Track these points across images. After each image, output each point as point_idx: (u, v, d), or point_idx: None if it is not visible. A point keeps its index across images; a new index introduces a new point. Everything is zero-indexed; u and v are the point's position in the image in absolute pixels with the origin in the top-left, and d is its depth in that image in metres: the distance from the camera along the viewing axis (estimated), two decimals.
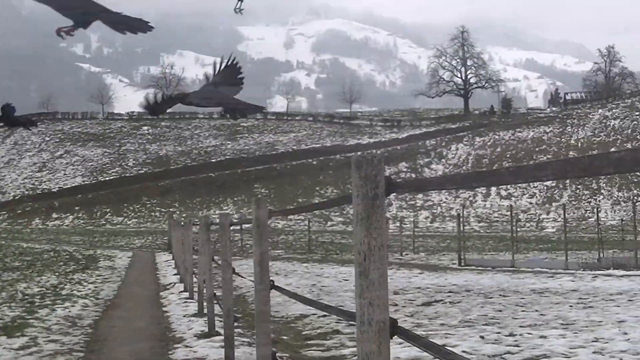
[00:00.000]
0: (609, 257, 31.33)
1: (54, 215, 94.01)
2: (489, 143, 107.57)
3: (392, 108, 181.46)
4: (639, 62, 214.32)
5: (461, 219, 36.88)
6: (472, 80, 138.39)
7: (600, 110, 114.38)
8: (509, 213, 56.21)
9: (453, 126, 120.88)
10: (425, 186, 3.08)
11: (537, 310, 13.90)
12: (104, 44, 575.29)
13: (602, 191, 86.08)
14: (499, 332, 11.16)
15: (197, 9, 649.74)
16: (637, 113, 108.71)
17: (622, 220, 56.74)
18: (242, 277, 10.39)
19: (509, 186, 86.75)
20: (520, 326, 11.84)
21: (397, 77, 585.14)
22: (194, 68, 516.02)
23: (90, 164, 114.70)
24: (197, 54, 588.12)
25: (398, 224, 51.90)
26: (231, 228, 9.86)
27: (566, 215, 36.69)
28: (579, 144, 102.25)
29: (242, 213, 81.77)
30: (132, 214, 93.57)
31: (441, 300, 15.95)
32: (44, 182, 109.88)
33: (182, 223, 22.98)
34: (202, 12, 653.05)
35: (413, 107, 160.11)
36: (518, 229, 46.13)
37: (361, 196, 2.99)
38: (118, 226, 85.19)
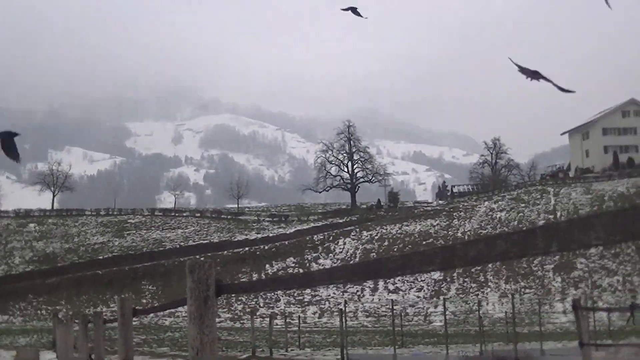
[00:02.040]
0: (491, 350, 31.95)
1: None
2: (376, 237, 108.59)
3: (280, 203, 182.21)
4: (524, 154, 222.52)
5: (344, 314, 37.12)
6: (359, 175, 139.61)
7: (486, 203, 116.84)
8: (395, 307, 56.83)
9: (340, 220, 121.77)
10: (252, 288, 3.52)
11: None
12: None
13: (490, 284, 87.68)
14: None
15: (85, 104, 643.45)
16: (523, 205, 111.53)
17: (505, 313, 57.83)
18: None
19: (396, 280, 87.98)
20: None
21: (285, 172, 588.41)
22: (82, 164, 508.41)
23: None
24: (85, 150, 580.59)
25: (284, 320, 51.80)
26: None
27: (454, 308, 37.59)
28: (466, 237, 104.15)
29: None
30: (18, 312, 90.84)
31: None
32: None
33: (64, 320, 22.69)
34: (90, 108, 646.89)
35: (301, 202, 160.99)
36: (406, 323, 46.57)
37: (194, 297, 3.42)
38: (3, 324, 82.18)
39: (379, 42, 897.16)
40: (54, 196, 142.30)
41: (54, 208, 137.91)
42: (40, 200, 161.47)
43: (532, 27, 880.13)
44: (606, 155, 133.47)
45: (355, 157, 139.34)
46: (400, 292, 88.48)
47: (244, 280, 78.04)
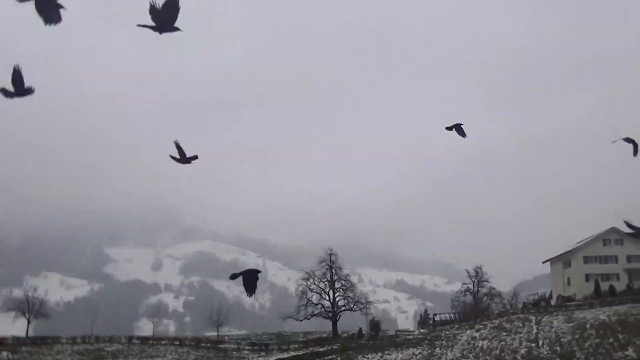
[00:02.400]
0: None
1: None
2: None
3: (260, 331, 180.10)
4: (506, 282, 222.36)
5: None
6: (340, 303, 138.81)
7: (468, 331, 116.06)
8: None
9: (321, 349, 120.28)
10: None
11: None
12: None
13: None
14: None
15: (63, 229, 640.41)
16: (505, 333, 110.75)
17: None
18: None
19: None
20: None
21: (266, 300, 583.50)
22: (59, 290, 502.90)
23: None
24: (62, 275, 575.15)
25: None
26: None
27: None
28: None
29: None
30: None
31: None
32: None
33: None
34: (68, 233, 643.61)
35: (282, 330, 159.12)
36: None
37: None
38: None
39: (360, 173, 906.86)
40: (28, 323, 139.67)
41: (29, 336, 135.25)
42: (15, 327, 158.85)
43: (506, 168, 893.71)
44: (587, 283, 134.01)
45: (337, 285, 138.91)
46: None
47: None
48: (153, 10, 10.14)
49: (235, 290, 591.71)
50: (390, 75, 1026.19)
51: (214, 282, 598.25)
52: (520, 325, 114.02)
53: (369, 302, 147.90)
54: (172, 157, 16.09)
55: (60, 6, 8.26)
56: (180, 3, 10.15)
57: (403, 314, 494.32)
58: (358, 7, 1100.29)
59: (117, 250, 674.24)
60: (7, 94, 11.03)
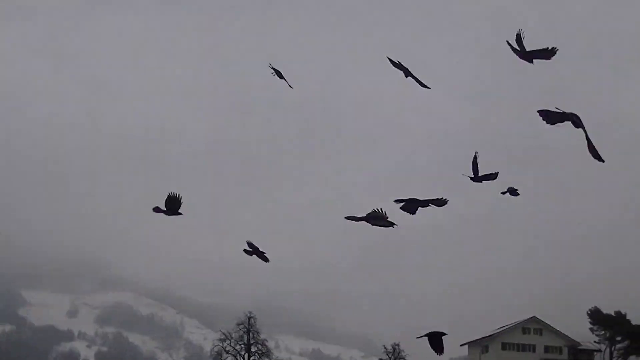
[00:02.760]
0: None
1: None
2: None
3: None
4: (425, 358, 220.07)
5: None
6: None
7: None
8: None
9: None
10: None
11: None
12: None
13: None
14: None
15: None
16: None
17: None
18: None
19: None
20: None
21: (180, 357, 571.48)
22: None
23: None
24: None
25: None
26: None
27: None
28: None
29: None
30: None
31: None
32: None
33: None
34: None
35: None
36: None
37: None
38: None
39: (290, 237, 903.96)
40: None
41: None
42: None
43: (432, 246, 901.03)
44: None
45: (253, 349, 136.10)
46: None
47: None
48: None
49: (150, 345, 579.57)
50: (321, 142, 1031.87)
51: (129, 334, 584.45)
52: None
53: None
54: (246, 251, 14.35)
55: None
56: None
57: None
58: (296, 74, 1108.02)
59: (33, 293, 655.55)
60: None
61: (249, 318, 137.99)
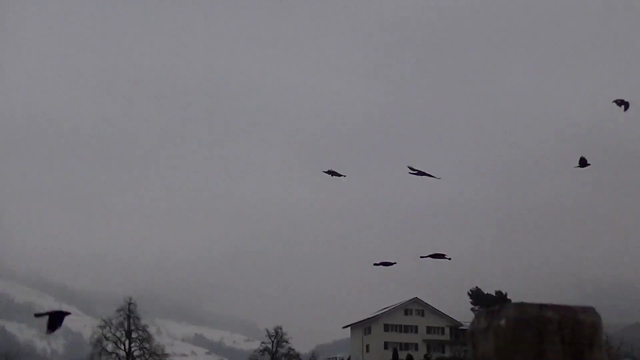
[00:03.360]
0: None
1: None
2: None
3: None
4: (306, 343, 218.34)
5: None
6: (136, 353, 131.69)
7: None
8: None
9: None
10: None
11: None
12: None
13: None
14: None
15: None
16: None
17: None
18: None
19: None
20: None
21: (60, 345, 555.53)
22: None
23: None
24: None
25: None
26: None
27: None
28: None
29: None
30: None
31: None
32: None
33: None
34: None
35: None
36: None
37: None
38: None
39: (168, 226, 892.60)
40: None
41: None
42: None
43: (314, 231, 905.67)
44: (386, 351, 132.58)
45: (134, 335, 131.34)
46: None
47: None
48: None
49: (27, 333, 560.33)
50: (202, 132, 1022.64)
51: (6, 323, 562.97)
52: None
53: (166, 354, 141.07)
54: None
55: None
56: None
57: None
58: (187, 57, 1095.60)
59: None
60: None
61: (129, 304, 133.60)
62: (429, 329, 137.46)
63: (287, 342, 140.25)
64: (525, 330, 3.41)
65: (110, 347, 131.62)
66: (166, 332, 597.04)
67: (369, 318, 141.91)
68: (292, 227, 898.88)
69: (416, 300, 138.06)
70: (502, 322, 3.48)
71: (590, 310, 3.62)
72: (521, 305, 3.50)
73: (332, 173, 16.10)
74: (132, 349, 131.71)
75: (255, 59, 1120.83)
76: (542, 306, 3.53)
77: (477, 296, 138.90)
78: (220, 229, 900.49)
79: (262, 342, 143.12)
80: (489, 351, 3.57)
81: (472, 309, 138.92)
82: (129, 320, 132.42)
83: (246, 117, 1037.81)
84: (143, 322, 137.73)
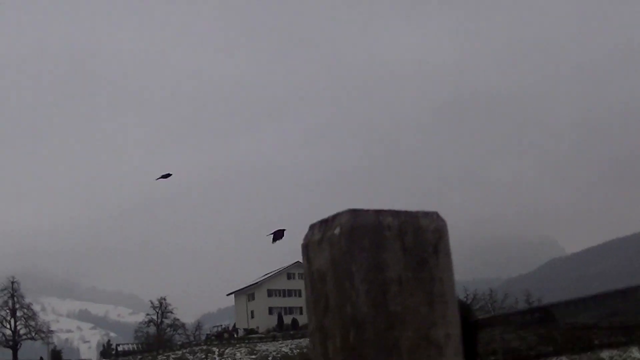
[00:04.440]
0: None
1: None
2: None
3: None
4: (191, 313, 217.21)
5: None
6: (21, 332, 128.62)
7: None
8: None
9: None
10: None
11: None
12: None
13: None
14: None
15: None
16: None
17: None
18: None
19: None
20: None
21: None
22: None
23: None
24: None
25: None
26: None
27: None
28: None
29: None
30: None
31: None
32: None
33: None
34: None
35: None
36: None
37: None
38: None
39: (45, 203, 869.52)
40: None
41: None
42: None
43: (193, 200, 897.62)
44: (271, 316, 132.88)
45: (19, 314, 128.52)
46: None
47: None
48: None
49: None
50: (74, 110, 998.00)
51: None
52: (203, 356, 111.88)
53: (51, 331, 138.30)
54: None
55: None
56: None
57: (86, 344, 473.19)
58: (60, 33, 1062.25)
59: None
60: None
61: (12, 282, 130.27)
62: None
63: (171, 312, 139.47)
64: (361, 238, 3.00)
65: None
66: (51, 309, 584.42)
67: (252, 284, 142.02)
68: (171, 196, 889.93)
69: (298, 264, 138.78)
70: (337, 230, 3.05)
71: (433, 215, 3.22)
72: (356, 212, 3.08)
73: (164, 177, 15.86)
74: (18, 328, 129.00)
75: (123, 34, 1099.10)
76: (379, 212, 3.12)
77: None
78: (99, 203, 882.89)
79: (147, 314, 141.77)
80: (324, 263, 3.12)
81: None
82: (13, 299, 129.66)
83: (114, 92, 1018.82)
84: (27, 300, 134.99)
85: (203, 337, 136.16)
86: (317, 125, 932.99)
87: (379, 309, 3.04)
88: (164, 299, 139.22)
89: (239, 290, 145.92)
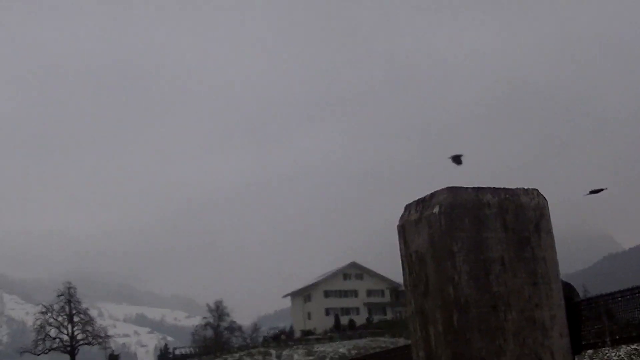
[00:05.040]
0: None
1: None
2: None
3: None
4: (248, 315, 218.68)
5: None
6: (79, 337, 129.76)
7: None
8: None
9: None
10: None
11: None
12: None
13: None
14: None
15: None
16: None
17: None
18: None
19: None
20: None
21: (3, 334, 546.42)
22: None
23: None
24: None
25: None
26: None
27: None
28: None
29: None
30: None
31: None
32: None
33: None
34: None
35: None
36: None
37: None
38: None
39: (98, 209, 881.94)
40: None
41: None
42: None
43: (247, 206, 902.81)
44: (328, 317, 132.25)
45: (76, 319, 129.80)
46: None
47: None
48: None
49: None
50: (127, 116, 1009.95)
51: None
52: (261, 358, 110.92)
53: (108, 335, 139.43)
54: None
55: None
56: None
57: (143, 348, 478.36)
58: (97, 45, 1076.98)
59: None
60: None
61: (69, 288, 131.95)
62: (369, 292, 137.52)
63: (228, 315, 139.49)
64: (462, 217, 2.91)
65: (53, 332, 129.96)
66: (108, 314, 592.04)
67: (308, 285, 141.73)
68: (224, 201, 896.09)
69: (354, 264, 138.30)
70: (435, 209, 2.96)
71: (533, 192, 3.13)
72: (455, 189, 2.99)
73: (595, 192, 15.19)
74: (75, 333, 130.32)
75: (167, 37, 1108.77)
76: (478, 189, 3.03)
77: None
78: (153, 210, 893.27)
79: (204, 317, 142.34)
80: (422, 244, 3.04)
81: None
82: (70, 305, 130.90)
83: (165, 96, 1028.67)
84: (84, 305, 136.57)
85: (260, 340, 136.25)
86: (370, 123, 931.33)
87: (482, 290, 2.98)
88: (221, 302, 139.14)
89: (295, 291, 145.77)
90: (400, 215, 3.22)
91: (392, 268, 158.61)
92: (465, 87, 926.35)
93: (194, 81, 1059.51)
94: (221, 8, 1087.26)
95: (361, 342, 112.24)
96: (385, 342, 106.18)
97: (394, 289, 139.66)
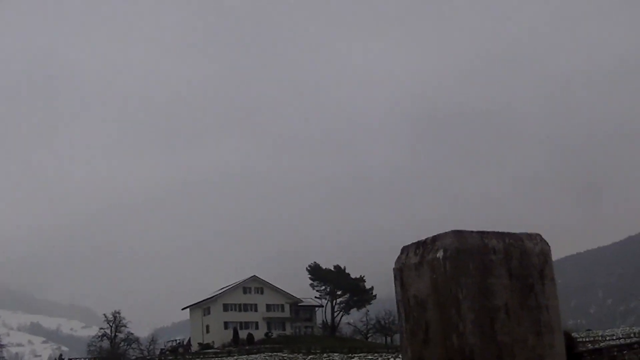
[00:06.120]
0: None
1: None
2: None
3: None
4: (146, 327, 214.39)
5: None
6: None
7: None
8: None
9: None
10: None
11: None
12: None
13: None
14: None
15: None
16: None
17: None
18: None
19: None
20: None
21: None
22: None
23: None
24: None
25: None
26: None
27: None
28: None
29: None
30: None
31: None
32: None
33: None
34: None
35: None
36: None
37: None
38: None
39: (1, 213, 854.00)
40: None
41: None
42: None
43: (147, 214, 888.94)
44: (227, 331, 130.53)
45: None
46: None
47: None
48: None
49: None
50: (30, 121, 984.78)
51: None
52: None
53: (1, 345, 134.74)
54: None
55: None
56: None
57: (37, 358, 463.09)
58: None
59: None
60: None
61: None
62: (269, 307, 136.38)
63: (125, 326, 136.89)
64: (467, 262, 2.72)
65: None
66: (1, 322, 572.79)
67: (208, 298, 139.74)
68: (124, 208, 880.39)
69: (255, 279, 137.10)
70: (439, 254, 2.76)
71: (537, 237, 2.97)
72: (460, 233, 2.80)
73: None
74: None
75: (75, 40, 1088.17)
76: (483, 233, 2.85)
77: (315, 271, 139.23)
78: (52, 215, 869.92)
79: (101, 328, 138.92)
80: (424, 289, 2.83)
81: (311, 285, 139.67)
82: None
83: (72, 102, 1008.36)
84: None
85: (157, 352, 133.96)
86: (283, 135, 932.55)
87: (487, 340, 2.82)
88: (119, 313, 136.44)
89: (194, 304, 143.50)
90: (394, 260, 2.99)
91: (293, 283, 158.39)
92: (374, 102, 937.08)
93: (103, 86, 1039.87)
94: (137, 13, 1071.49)
95: (259, 357, 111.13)
96: (284, 357, 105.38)
97: (294, 303, 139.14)
